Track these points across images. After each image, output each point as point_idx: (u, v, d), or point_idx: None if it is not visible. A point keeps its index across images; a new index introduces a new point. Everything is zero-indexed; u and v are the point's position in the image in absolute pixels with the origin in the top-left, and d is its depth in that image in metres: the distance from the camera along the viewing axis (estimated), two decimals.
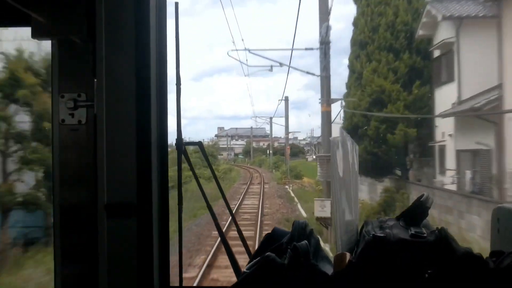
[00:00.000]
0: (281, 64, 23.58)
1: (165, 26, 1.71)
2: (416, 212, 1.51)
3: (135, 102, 1.61)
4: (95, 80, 1.62)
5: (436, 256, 1.39)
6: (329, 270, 1.48)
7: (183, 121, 1.83)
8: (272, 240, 1.61)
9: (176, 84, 1.76)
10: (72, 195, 1.67)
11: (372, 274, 1.40)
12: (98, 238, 1.61)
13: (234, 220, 2.06)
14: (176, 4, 1.72)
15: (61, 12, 1.60)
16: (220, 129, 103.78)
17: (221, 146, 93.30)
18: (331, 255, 1.52)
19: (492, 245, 1.75)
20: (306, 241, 1.45)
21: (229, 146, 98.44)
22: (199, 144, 1.87)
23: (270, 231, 1.66)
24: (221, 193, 1.95)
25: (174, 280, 1.79)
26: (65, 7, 1.60)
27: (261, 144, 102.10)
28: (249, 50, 22.56)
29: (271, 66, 24.76)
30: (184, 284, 1.86)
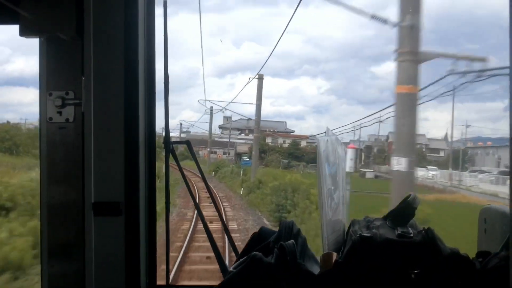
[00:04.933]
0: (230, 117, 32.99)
1: (153, 24, 1.71)
2: (403, 212, 1.52)
3: (123, 101, 1.60)
4: (83, 78, 1.62)
5: (422, 256, 1.39)
6: (315, 269, 1.48)
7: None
8: (259, 239, 1.61)
9: (164, 83, 1.76)
10: (60, 193, 1.66)
11: (358, 274, 1.40)
12: (85, 236, 1.61)
13: (222, 221, 2.06)
14: (165, 2, 1.71)
15: (49, 9, 1.59)
16: (227, 119, 66.90)
17: (220, 140, 64.75)
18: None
19: (479, 245, 1.75)
20: (293, 240, 1.45)
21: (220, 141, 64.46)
22: (187, 143, 1.87)
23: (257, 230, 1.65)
24: (210, 195, 1.94)
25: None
26: (54, 5, 1.60)
27: (280, 141, 65.50)
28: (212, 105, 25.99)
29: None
30: (170, 282, 1.85)
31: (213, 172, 40.64)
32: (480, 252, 1.53)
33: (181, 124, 59.94)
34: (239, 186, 28.42)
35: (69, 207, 1.65)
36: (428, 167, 44.50)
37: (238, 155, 59.68)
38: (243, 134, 70.68)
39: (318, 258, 1.53)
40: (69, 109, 1.64)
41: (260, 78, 30.95)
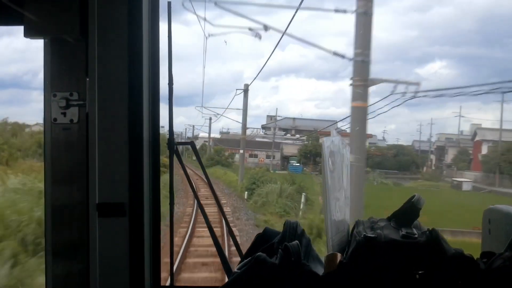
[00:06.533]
0: (266, 28, 14.95)
1: (157, 25, 1.71)
2: (407, 213, 1.51)
3: (127, 102, 1.61)
4: (87, 79, 1.62)
5: (427, 257, 1.39)
6: (320, 270, 1.47)
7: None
8: (263, 240, 1.61)
9: (168, 84, 1.76)
10: (64, 194, 1.67)
11: (363, 275, 1.40)
12: (89, 237, 1.61)
13: (226, 220, 2.06)
14: (169, 4, 1.72)
15: (54, 11, 1.60)
16: (271, 118, 60.53)
17: (262, 140, 52.70)
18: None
19: (483, 246, 1.75)
20: (297, 241, 1.45)
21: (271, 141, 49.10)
22: (191, 144, 1.87)
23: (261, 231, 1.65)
24: (213, 193, 1.94)
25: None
26: (58, 6, 1.60)
27: None
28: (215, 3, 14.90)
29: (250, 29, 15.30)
30: (175, 283, 1.85)
31: (246, 192, 23.68)
32: (484, 253, 1.53)
33: (210, 118, 47.32)
34: None
35: (73, 208, 1.66)
36: (414, 168, 33.43)
37: (285, 158, 46.59)
38: (288, 135, 61.00)
39: (323, 259, 1.53)
40: (73, 110, 1.65)
41: None
